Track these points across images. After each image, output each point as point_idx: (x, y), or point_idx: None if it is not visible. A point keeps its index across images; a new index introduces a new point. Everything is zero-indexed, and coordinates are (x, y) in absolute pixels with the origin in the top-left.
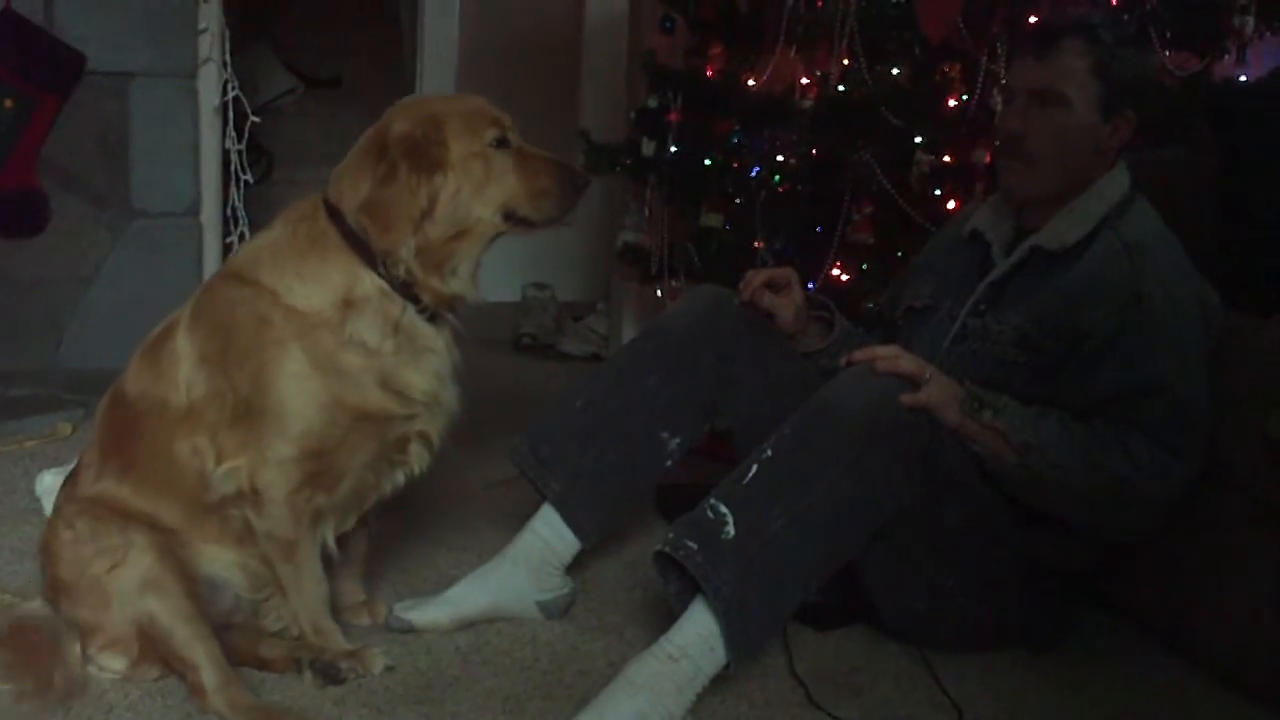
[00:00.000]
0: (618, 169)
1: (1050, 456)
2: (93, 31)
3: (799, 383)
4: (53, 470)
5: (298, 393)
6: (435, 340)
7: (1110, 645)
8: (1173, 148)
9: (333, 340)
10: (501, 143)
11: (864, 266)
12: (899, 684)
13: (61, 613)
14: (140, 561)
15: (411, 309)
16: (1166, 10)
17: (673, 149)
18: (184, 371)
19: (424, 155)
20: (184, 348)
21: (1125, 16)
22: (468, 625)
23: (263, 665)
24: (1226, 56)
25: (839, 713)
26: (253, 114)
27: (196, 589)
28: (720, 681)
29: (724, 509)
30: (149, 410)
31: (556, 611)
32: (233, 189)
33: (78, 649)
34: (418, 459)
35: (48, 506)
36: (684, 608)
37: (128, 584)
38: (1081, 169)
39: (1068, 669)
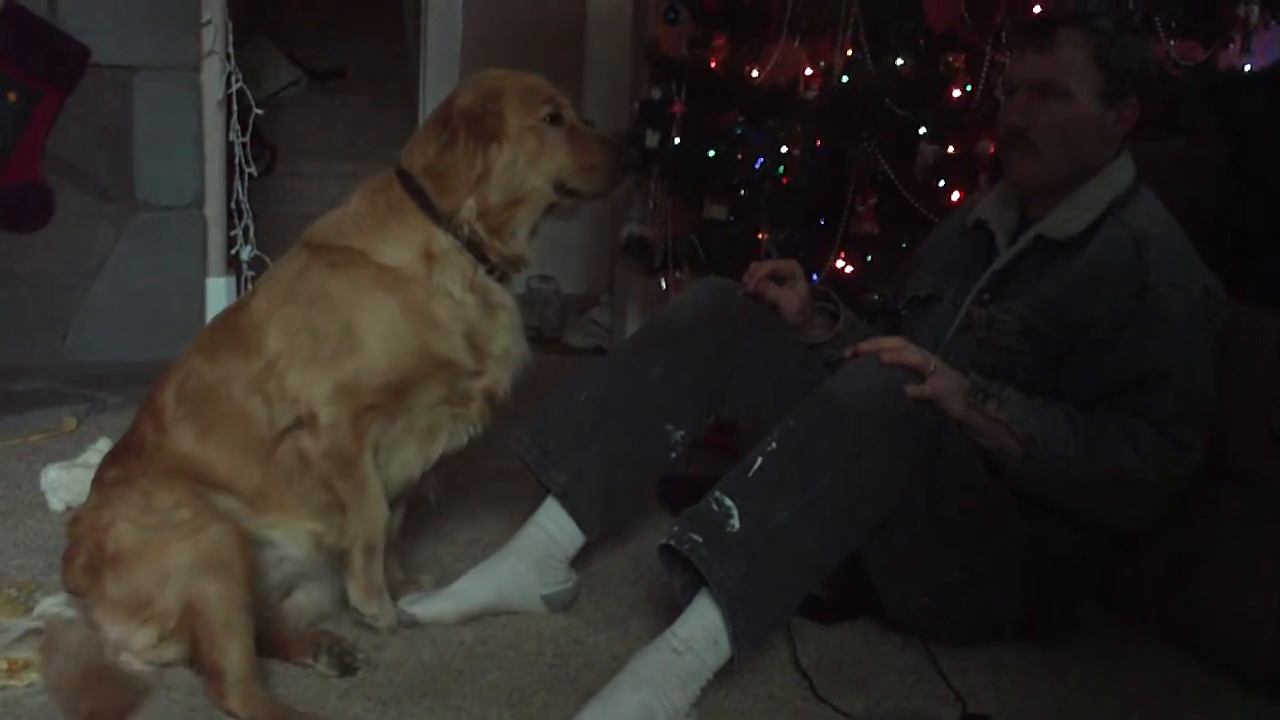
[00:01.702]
0: None
1: (1054, 448)
2: (96, 25)
3: (803, 375)
4: (57, 465)
5: (392, 336)
6: (505, 296)
7: (1114, 638)
8: (1177, 137)
9: (423, 291)
10: (555, 119)
11: (868, 258)
12: (903, 677)
13: (95, 594)
14: (210, 538)
15: (481, 268)
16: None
17: (676, 140)
18: (266, 333)
19: (482, 125)
20: (265, 313)
21: (1130, 5)
22: (472, 619)
23: (281, 649)
24: (1231, 46)
25: (843, 706)
26: (256, 106)
27: (258, 565)
28: (725, 675)
29: (729, 502)
30: (227, 376)
31: (561, 605)
32: (236, 181)
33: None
34: (480, 415)
35: (53, 501)
36: (688, 601)
37: (190, 561)
38: (1087, 158)
39: (1071, 662)
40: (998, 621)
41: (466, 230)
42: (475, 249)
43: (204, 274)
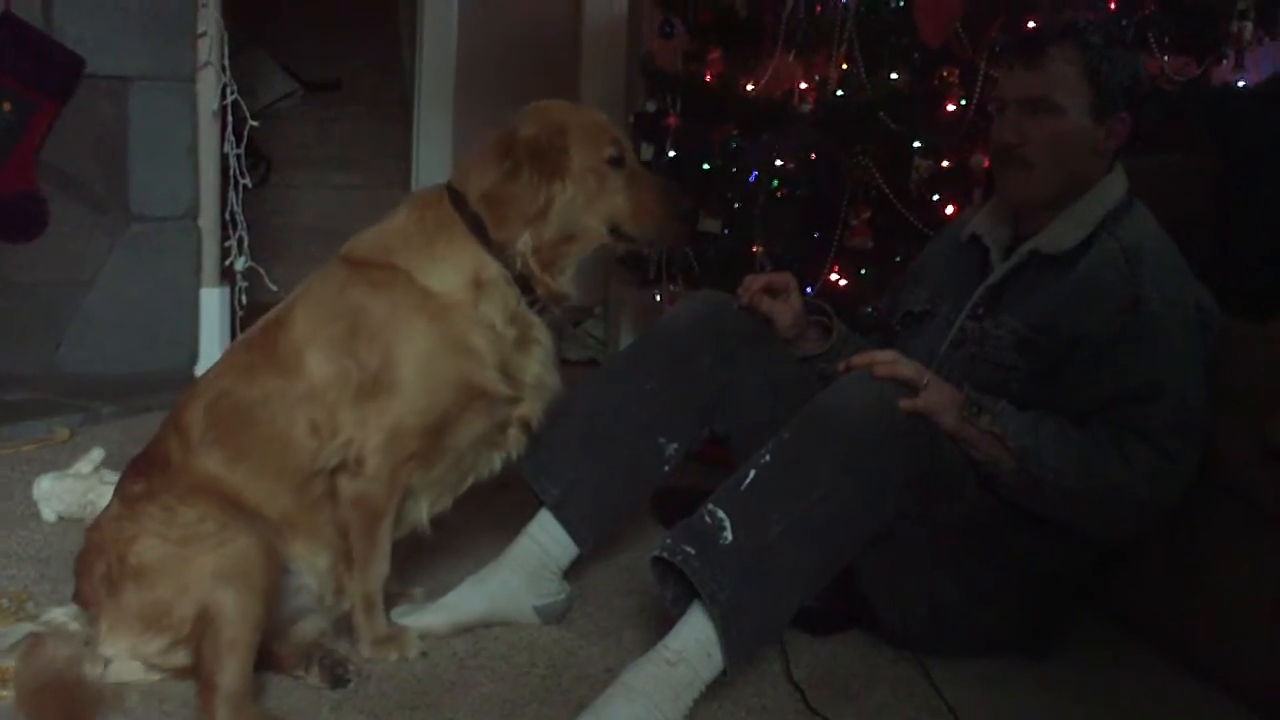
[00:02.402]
0: None
1: (1047, 461)
2: (91, 35)
3: (797, 388)
4: (50, 475)
5: (430, 370)
6: (542, 331)
7: (1107, 650)
8: (1171, 152)
9: (465, 321)
10: (617, 161)
11: (862, 271)
12: (896, 690)
13: (108, 604)
14: (234, 551)
15: (523, 299)
16: (1165, 15)
17: (671, 153)
18: (308, 356)
19: (546, 160)
20: (305, 333)
21: (1124, 22)
22: (465, 630)
23: (274, 662)
24: (1225, 61)
25: (836, 718)
26: (251, 118)
27: (277, 594)
28: (717, 687)
29: (722, 514)
30: (265, 398)
31: (553, 617)
32: (231, 193)
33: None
34: (515, 442)
35: (45, 511)
36: (681, 613)
37: (213, 570)
38: (1079, 173)
39: (1064, 674)
40: (991, 634)
41: (520, 263)
42: (522, 280)
43: (198, 285)
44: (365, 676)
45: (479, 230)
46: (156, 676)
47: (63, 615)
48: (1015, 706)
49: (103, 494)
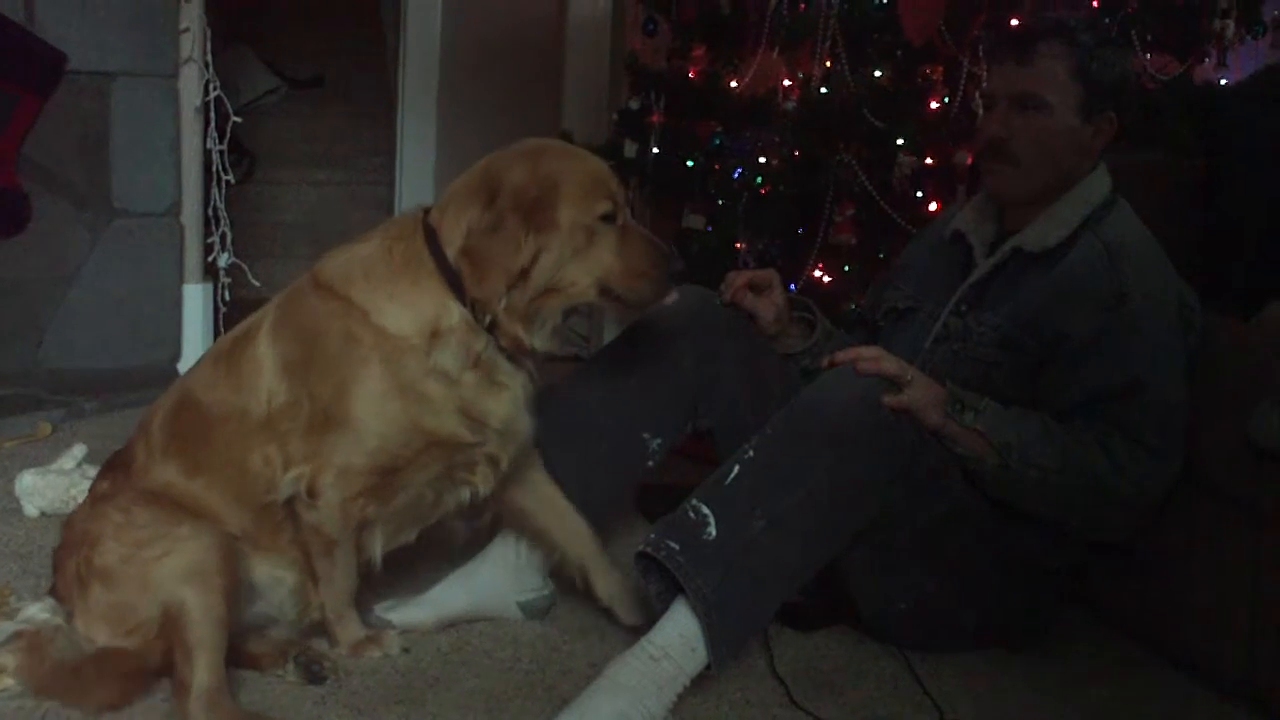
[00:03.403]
0: None
1: (1030, 458)
2: (74, 31)
3: (781, 384)
4: (33, 470)
5: (378, 412)
6: (512, 376)
7: (1090, 645)
8: (1153, 150)
9: (417, 366)
10: (608, 218)
11: (846, 268)
12: (880, 684)
13: (79, 603)
14: (192, 550)
15: (493, 343)
16: (1147, 14)
17: (655, 150)
18: (266, 380)
19: (533, 214)
20: (266, 355)
21: (1106, 20)
22: (448, 626)
23: (253, 662)
24: (1207, 60)
25: (820, 713)
26: (234, 114)
27: (238, 592)
28: (701, 681)
29: (706, 509)
30: (225, 417)
31: (537, 612)
32: (214, 189)
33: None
34: (483, 480)
35: (27, 507)
36: (665, 608)
37: (172, 570)
38: (1065, 171)
39: (1048, 669)
40: (974, 629)
41: (490, 318)
42: (490, 325)
43: (180, 281)
44: (349, 672)
45: (448, 273)
46: None
47: (40, 610)
48: (1000, 701)
49: (84, 490)
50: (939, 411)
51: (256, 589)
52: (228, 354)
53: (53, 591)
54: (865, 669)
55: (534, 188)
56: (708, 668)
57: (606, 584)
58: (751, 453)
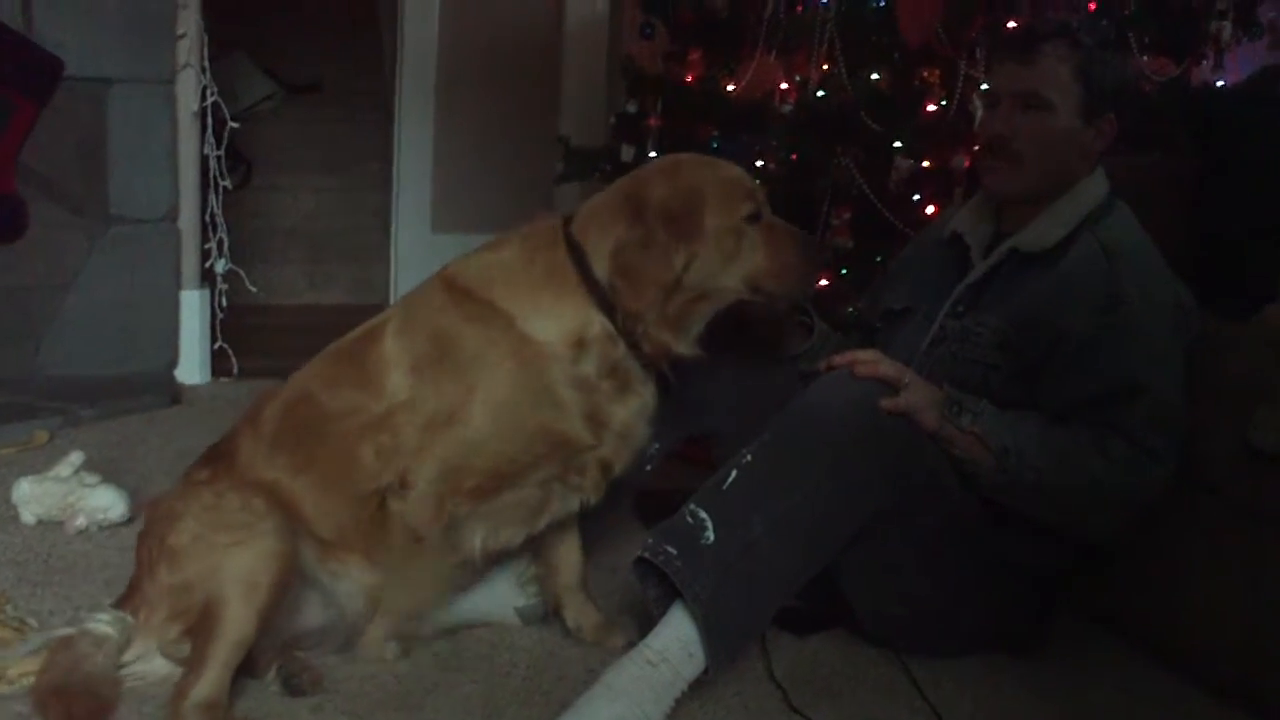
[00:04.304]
0: (597, 174)
1: (1028, 460)
2: (71, 37)
3: (778, 387)
4: (29, 478)
5: (509, 418)
6: (644, 385)
7: (1087, 649)
8: (1151, 152)
9: (559, 374)
10: (753, 217)
11: (843, 271)
12: (877, 689)
13: (147, 590)
14: (260, 551)
15: (629, 353)
16: (1145, 16)
17: (652, 154)
18: (392, 378)
19: (680, 225)
20: (394, 354)
21: (1104, 22)
22: (447, 632)
23: (247, 665)
24: (1204, 62)
25: (817, 717)
26: (232, 120)
27: (279, 611)
28: (699, 686)
29: (703, 514)
30: (344, 412)
31: (534, 618)
32: (211, 195)
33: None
34: (594, 486)
35: (24, 514)
36: (663, 613)
37: (236, 563)
38: (1065, 172)
39: (1045, 673)
40: (971, 633)
41: (641, 329)
42: (630, 336)
43: (178, 287)
44: (347, 677)
45: (592, 285)
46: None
47: (103, 623)
48: (997, 705)
49: (82, 496)
50: (936, 414)
51: (330, 595)
52: (349, 353)
53: (126, 600)
54: (862, 673)
55: (678, 199)
56: (705, 672)
57: (575, 615)
58: (749, 457)
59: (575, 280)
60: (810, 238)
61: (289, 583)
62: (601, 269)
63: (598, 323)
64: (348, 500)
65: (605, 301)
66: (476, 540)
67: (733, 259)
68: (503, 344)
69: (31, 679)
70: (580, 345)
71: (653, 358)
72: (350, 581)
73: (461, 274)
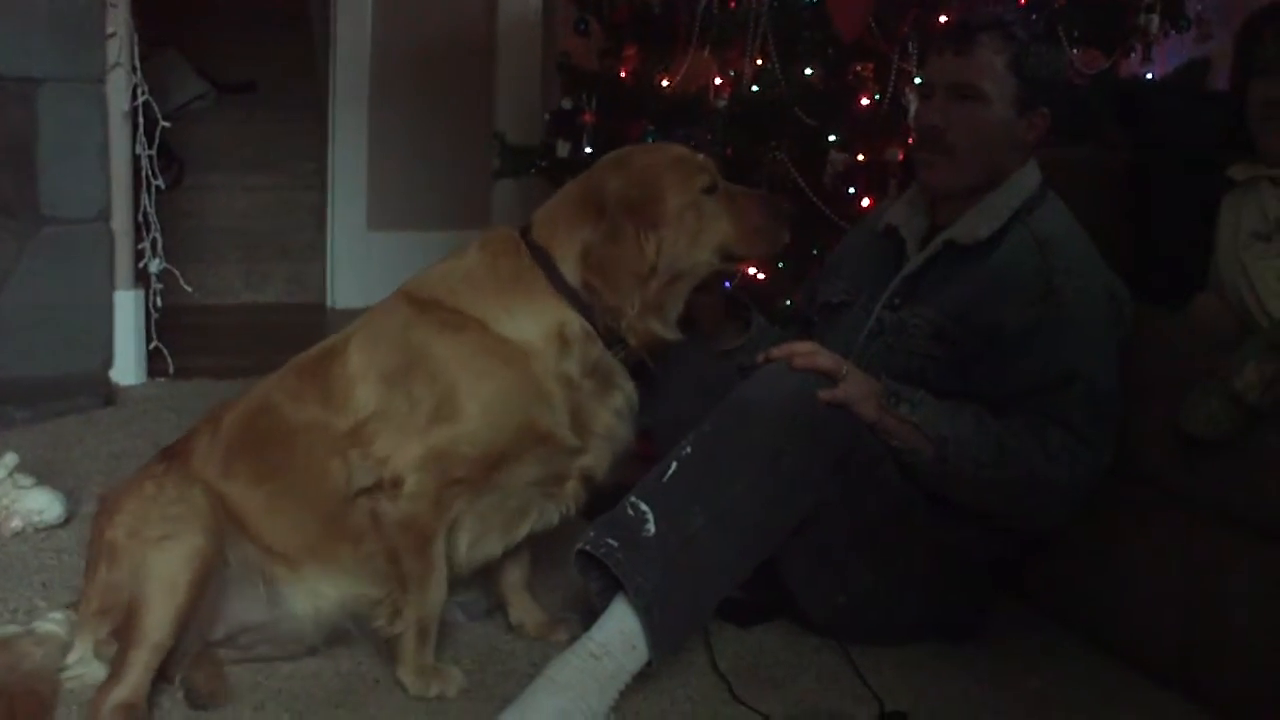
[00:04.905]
0: (533, 171)
1: (966, 450)
2: None
3: (717, 381)
4: None
5: (497, 408)
6: (624, 379)
7: (1028, 635)
8: (1082, 144)
9: (543, 370)
10: (710, 189)
11: (780, 264)
12: (820, 677)
13: (89, 587)
14: (177, 551)
15: (605, 351)
16: (1074, 9)
17: (588, 150)
18: (359, 392)
19: (643, 211)
20: (359, 368)
21: (1034, 15)
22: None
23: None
24: (1133, 54)
25: (761, 707)
26: (163, 119)
27: (197, 612)
28: (643, 678)
29: (644, 506)
30: (308, 426)
31: (477, 613)
32: (144, 194)
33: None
34: (574, 495)
35: None
36: (605, 605)
37: (163, 560)
38: (998, 163)
39: (986, 659)
40: (913, 621)
41: (625, 323)
42: (609, 332)
43: (111, 288)
44: (291, 675)
45: (563, 287)
46: None
47: (52, 623)
48: (939, 691)
49: (17, 499)
50: (874, 405)
51: (284, 603)
52: (313, 368)
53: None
54: (805, 663)
55: (635, 187)
56: (648, 664)
57: (518, 612)
58: (689, 449)
59: (543, 284)
60: (770, 196)
61: (208, 581)
62: (570, 271)
63: (575, 322)
64: (316, 514)
65: (578, 301)
66: (463, 545)
67: (700, 232)
68: (480, 344)
69: None
70: (561, 342)
71: (639, 348)
72: (304, 588)
73: (423, 287)
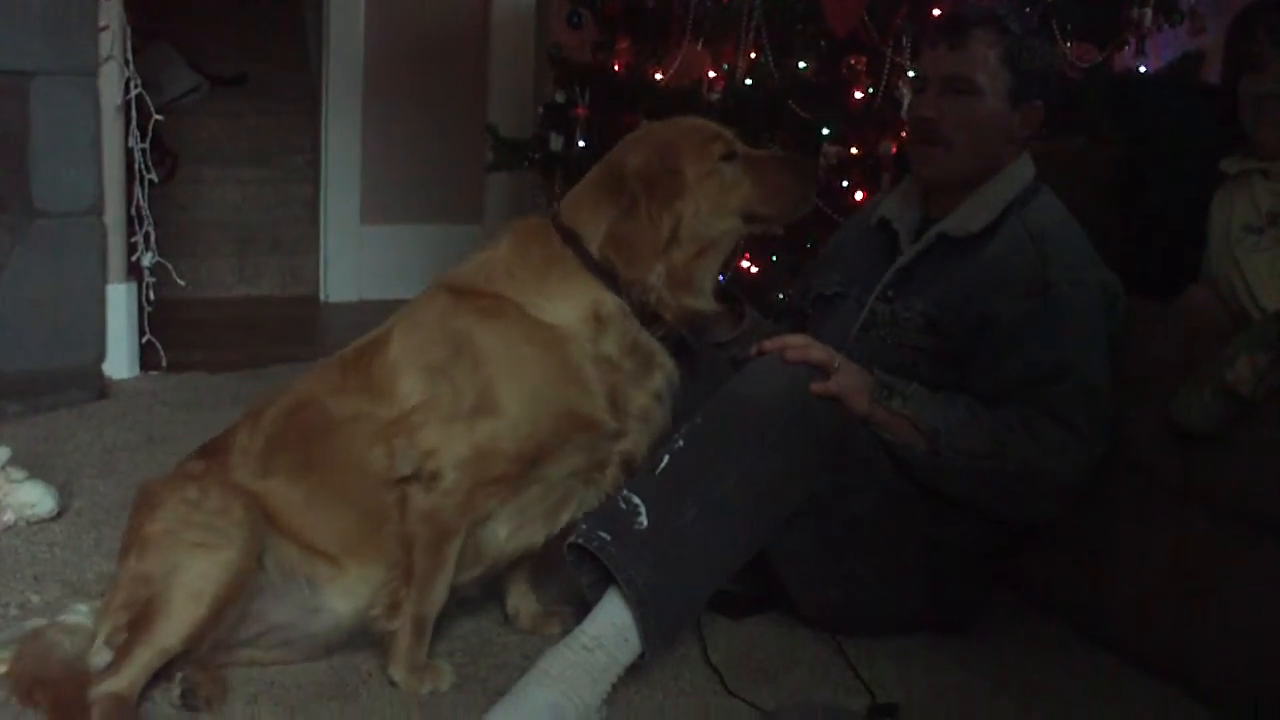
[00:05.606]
0: (526, 164)
1: (958, 442)
2: None
3: (710, 374)
4: None
5: (537, 398)
6: (666, 359)
7: (1019, 627)
8: (1075, 137)
9: (580, 353)
10: (729, 156)
11: (773, 257)
12: (813, 669)
13: (122, 564)
14: (220, 561)
15: (645, 331)
16: (1068, 2)
17: (581, 144)
18: (403, 383)
19: (662, 184)
20: (403, 359)
21: (1028, 9)
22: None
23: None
24: (1126, 48)
25: (754, 699)
26: (156, 112)
27: (217, 626)
28: (635, 671)
29: (637, 499)
30: (350, 418)
31: (469, 602)
32: (137, 188)
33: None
34: (614, 481)
35: None
36: (598, 599)
37: (195, 567)
38: (992, 156)
39: (978, 651)
40: (905, 614)
41: (654, 297)
42: (644, 310)
43: (104, 281)
44: (283, 669)
45: (596, 268)
46: None
47: (79, 614)
48: (930, 683)
49: (9, 493)
50: (867, 398)
51: (310, 599)
52: (354, 361)
53: None
54: (798, 655)
55: (654, 161)
56: (641, 657)
57: (514, 601)
58: (681, 442)
59: (576, 264)
60: (794, 155)
61: (235, 599)
62: (598, 251)
63: (610, 301)
64: (354, 507)
65: (612, 280)
66: (502, 535)
67: (722, 199)
68: (519, 330)
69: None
70: (598, 322)
71: (675, 323)
72: (341, 586)
73: (459, 277)
